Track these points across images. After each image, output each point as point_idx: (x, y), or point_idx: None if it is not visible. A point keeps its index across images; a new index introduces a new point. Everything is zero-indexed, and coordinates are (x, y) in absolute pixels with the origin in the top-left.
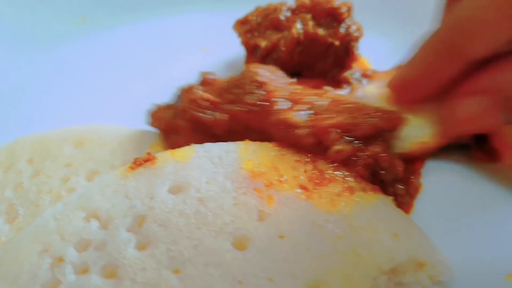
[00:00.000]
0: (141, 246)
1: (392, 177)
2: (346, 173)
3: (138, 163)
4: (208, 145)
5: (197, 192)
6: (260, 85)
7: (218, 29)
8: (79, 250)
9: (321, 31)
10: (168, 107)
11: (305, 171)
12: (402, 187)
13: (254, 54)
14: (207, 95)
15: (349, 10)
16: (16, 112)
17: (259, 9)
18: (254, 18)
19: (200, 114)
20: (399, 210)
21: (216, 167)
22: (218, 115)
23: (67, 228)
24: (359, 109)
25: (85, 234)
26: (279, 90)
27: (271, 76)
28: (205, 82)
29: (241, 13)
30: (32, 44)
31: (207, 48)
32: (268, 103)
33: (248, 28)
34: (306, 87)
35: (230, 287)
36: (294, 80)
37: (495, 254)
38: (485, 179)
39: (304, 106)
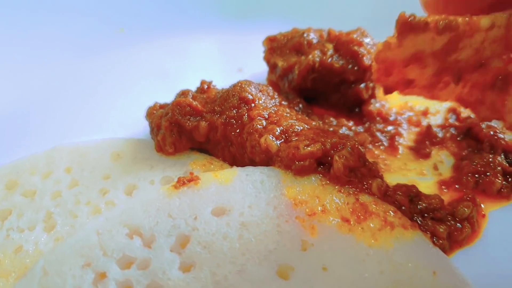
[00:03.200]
0: (185, 268)
1: (426, 207)
2: (387, 207)
3: (182, 182)
4: (249, 169)
5: (240, 216)
6: (245, 101)
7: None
8: (122, 267)
9: (337, 64)
10: (162, 106)
11: (347, 203)
12: (443, 228)
13: (274, 72)
14: (192, 101)
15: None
16: (55, 119)
17: (293, 30)
18: (282, 37)
19: (180, 118)
20: (436, 248)
21: (258, 192)
22: (198, 121)
23: (109, 243)
24: (325, 134)
25: (128, 250)
26: (261, 109)
27: (259, 94)
28: (202, 90)
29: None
30: (73, 52)
31: (242, 69)
32: (246, 119)
33: (273, 46)
34: (292, 110)
35: None
36: (285, 102)
37: None
38: None
39: (279, 128)
